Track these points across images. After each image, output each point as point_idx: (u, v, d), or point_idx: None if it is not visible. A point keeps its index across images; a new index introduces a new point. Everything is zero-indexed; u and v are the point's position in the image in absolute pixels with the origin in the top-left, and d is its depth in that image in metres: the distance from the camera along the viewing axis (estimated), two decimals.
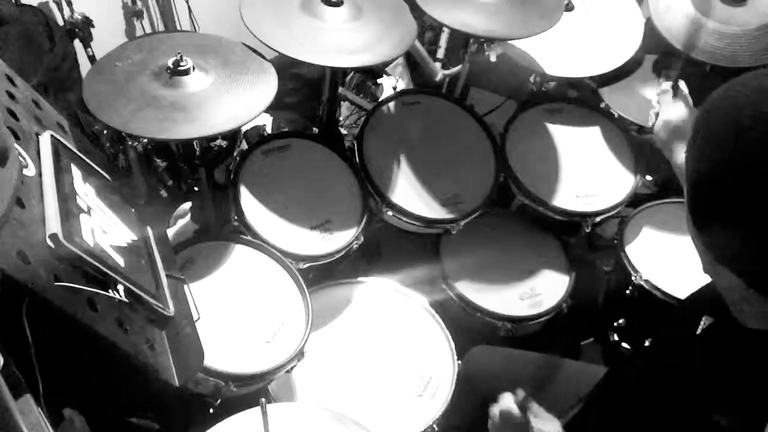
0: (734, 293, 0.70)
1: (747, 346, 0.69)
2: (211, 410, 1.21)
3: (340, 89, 1.97)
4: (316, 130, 1.86)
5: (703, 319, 0.77)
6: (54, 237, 0.65)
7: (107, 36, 1.95)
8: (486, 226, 1.69)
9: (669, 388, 0.78)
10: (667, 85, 1.32)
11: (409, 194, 1.54)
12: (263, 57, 1.36)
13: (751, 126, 0.58)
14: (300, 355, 1.23)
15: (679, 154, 1.20)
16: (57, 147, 0.80)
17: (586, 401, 1.07)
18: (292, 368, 1.24)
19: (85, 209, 0.77)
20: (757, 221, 0.58)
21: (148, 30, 2.18)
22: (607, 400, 0.97)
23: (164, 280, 0.87)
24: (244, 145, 1.84)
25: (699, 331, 0.77)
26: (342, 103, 2.16)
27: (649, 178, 1.71)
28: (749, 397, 0.65)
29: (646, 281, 1.52)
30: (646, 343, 1.61)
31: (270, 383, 1.27)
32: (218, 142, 1.71)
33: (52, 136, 0.80)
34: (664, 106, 1.28)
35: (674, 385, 0.77)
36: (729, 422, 0.65)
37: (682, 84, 1.32)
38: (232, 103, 1.22)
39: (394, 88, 2.15)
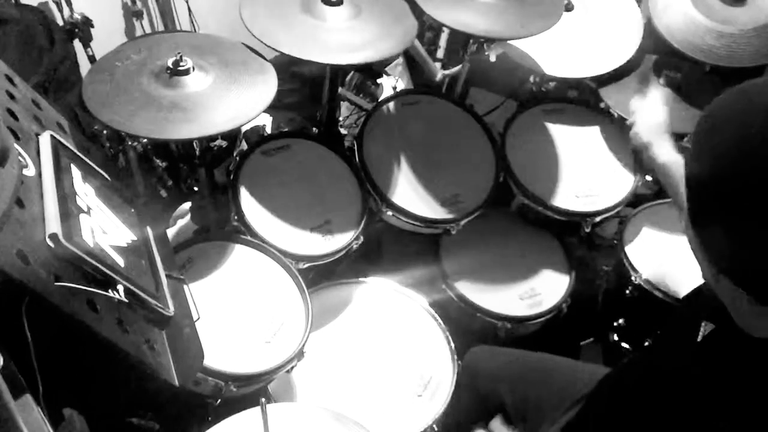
0: (736, 302, 0.69)
1: (751, 354, 0.68)
2: (211, 411, 1.21)
3: (340, 89, 1.97)
4: (315, 130, 1.86)
5: (703, 325, 0.77)
6: (54, 237, 0.65)
7: (107, 36, 1.94)
8: (486, 226, 1.69)
9: (671, 395, 0.77)
10: (638, 98, 1.39)
11: (409, 194, 1.54)
12: (263, 57, 1.36)
13: (760, 132, 0.57)
14: (300, 355, 1.23)
15: (660, 151, 1.22)
16: (57, 147, 0.80)
17: (585, 403, 1.07)
18: (292, 368, 1.24)
19: (85, 209, 0.77)
20: (756, 227, 0.57)
21: (148, 30, 2.17)
22: (607, 404, 0.97)
23: (164, 280, 0.87)
24: (244, 145, 1.84)
25: (700, 338, 0.76)
26: (342, 103, 2.15)
27: (649, 178, 1.71)
28: (754, 405, 0.65)
29: (646, 281, 1.52)
30: (646, 344, 1.62)
31: (270, 383, 1.28)
32: (218, 142, 1.71)
33: (51, 136, 0.80)
34: (639, 111, 1.33)
35: (676, 392, 0.77)
36: (733, 429, 0.65)
37: (657, 81, 1.37)
38: (232, 103, 1.22)
39: (394, 88, 2.15)
